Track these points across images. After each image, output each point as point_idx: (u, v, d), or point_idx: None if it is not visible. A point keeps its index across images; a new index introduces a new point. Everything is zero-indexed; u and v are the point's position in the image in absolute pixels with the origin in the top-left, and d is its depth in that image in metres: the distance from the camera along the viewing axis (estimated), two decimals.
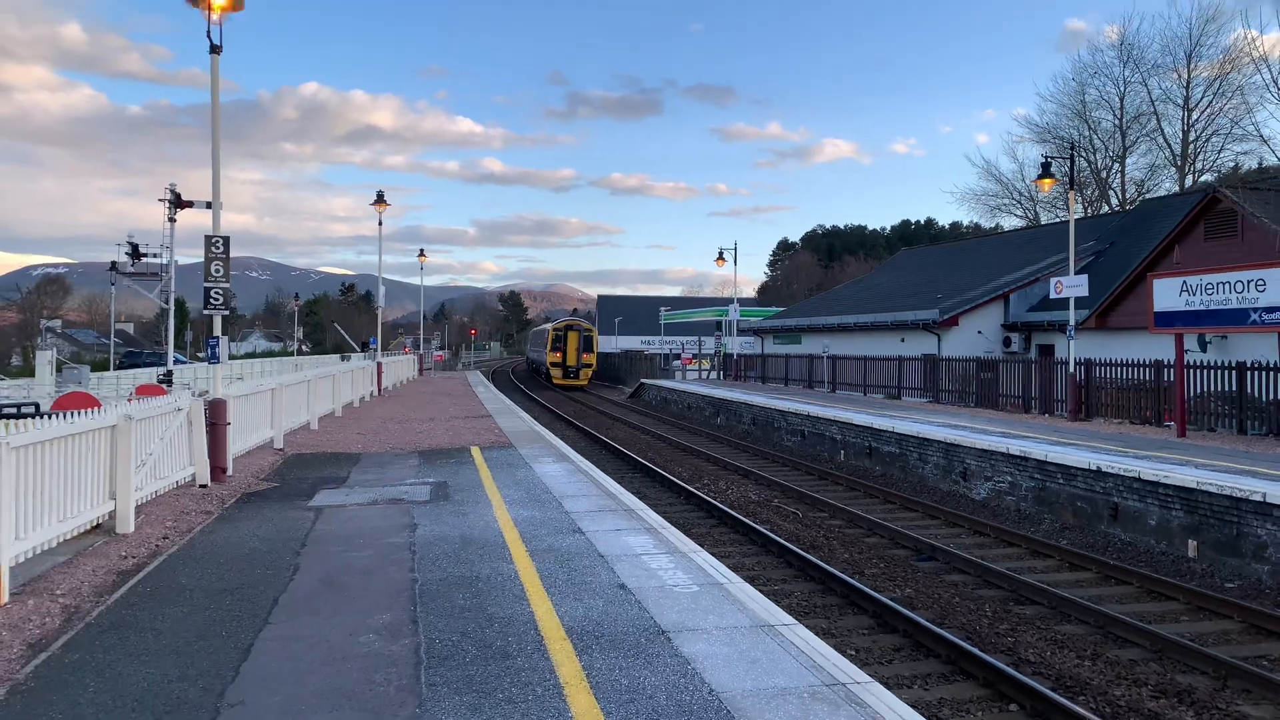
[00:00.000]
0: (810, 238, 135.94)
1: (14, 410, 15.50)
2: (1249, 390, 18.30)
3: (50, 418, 9.00)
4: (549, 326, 65.43)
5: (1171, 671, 8.35)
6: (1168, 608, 10.40)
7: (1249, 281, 16.73)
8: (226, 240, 13.53)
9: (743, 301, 63.52)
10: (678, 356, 60.50)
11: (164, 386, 23.41)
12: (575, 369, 57.91)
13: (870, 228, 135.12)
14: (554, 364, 57.97)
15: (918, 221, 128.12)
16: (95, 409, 10.59)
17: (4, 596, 7.19)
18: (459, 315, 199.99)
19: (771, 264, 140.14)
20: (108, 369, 46.10)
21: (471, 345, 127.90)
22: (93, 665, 5.91)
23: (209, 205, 13.84)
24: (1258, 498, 11.42)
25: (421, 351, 64.05)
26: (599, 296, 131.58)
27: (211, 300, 13.39)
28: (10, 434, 7.67)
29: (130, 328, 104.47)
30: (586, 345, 58.44)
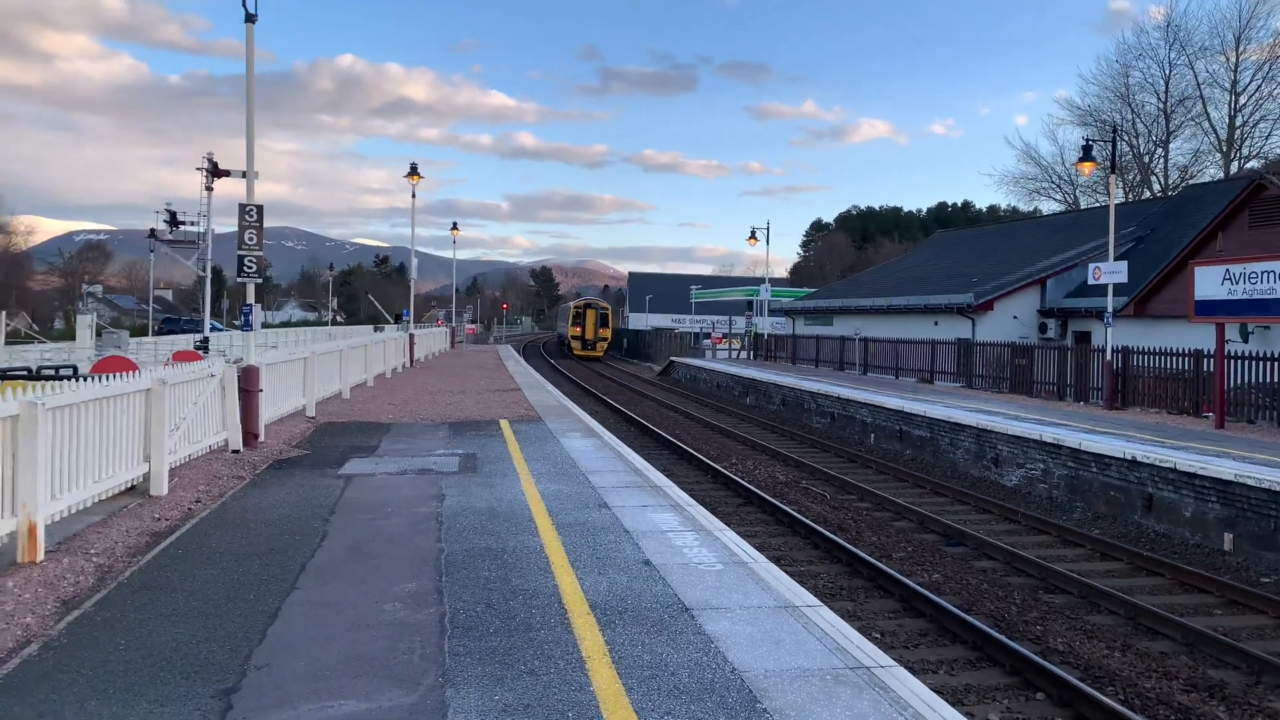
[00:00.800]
0: (844, 218, 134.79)
1: (53, 372, 15.74)
2: None
3: (87, 380, 9.12)
4: (571, 305, 71.65)
5: (1203, 665, 8.22)
6: (1201, 601, 10.24)
7: None
8: (260, 209, 13.60)
9: (774, 281, 63.20)
10: (708, 335, 60.40)
11: (200, 353, 23.69)
12: (592, 342, 64.29)
13: (906, 209, 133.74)
14: (574, 337, 64.71)
15: (954, 204, 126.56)
16: (132, 373, 10.73)
17: (39, 554, 7.31)
18: (491, 289, 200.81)
19: (804, 244, 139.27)
20: (146, 334, 46.77)
21: (503, 319, 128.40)
22: (123, 624, 5.99)
23: (244, 174, 13.91)
24: None
25: (454, 324, 64.36)
26: (630, 274, 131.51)
27: (245, 268, 13.48)
28: (47, 395, 7.78)
29: (169, 294, 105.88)
30: (603, 322, 64.77)
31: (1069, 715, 7.06)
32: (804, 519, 13.01)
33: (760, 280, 52.69)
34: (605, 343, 65.43)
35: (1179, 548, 12.50)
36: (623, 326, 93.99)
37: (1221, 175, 47.20)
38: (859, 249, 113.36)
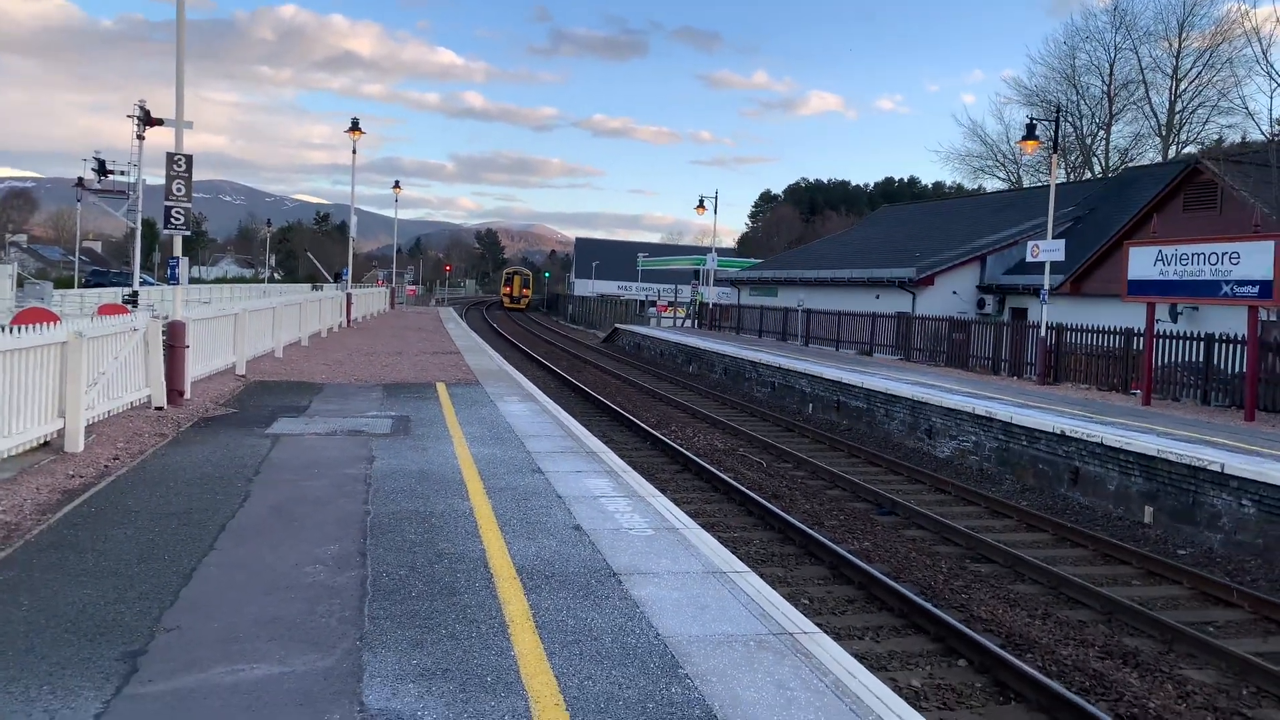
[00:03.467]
0: (793, 190, 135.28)
1: None
2: (1215, 362, 18.42)
3: (1, 331, 8.73)
4: (504, 271, 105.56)
5: (1119, 634, 8.43)
6: (1120, 571, 10.50)
7: (1223, 254, 16.74)
8: (189, 159, 13.13)
9: (722, 251, 63.43)
10: (654, 303, 60.38)
11: (128, 307, 22.95)
12: (518, 298, 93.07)
13: (853, 183, 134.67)
14: (506, 295, 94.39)
15: (901, 179, 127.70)
16: (52, 324, 10.31)
17: None
18: (435, 250, 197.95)
19: (753, 215, 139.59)
20: (72, 287, 45.28)
21: (446, 282, 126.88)
22: (28, 584, 5.76)
23: (175, 123, 13.41)
24: (1215, 468, 11.52)
25: (394, 285, 63.41)
26: (577, 239, 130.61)
27: (172, 219, 13.03)
28: None
29: (99, 246, 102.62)
30: (526, 284, 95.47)
31: (988, 681, 7.18)
32: (740, 486, 13.06)
33: (708, 249, 52.70)
34: (526, 299, 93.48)
35: (1102, 520, 12.81)
36: (569, 293, 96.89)
37: (1160, 159, 48.20)
38: (806, 221, 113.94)
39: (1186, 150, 48.06)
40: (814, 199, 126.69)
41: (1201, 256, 17.18)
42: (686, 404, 22.86)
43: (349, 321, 34.31)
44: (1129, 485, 12.95)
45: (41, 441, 9.34)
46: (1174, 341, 19.25)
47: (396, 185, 53.51)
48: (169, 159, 13.05)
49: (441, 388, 16.29)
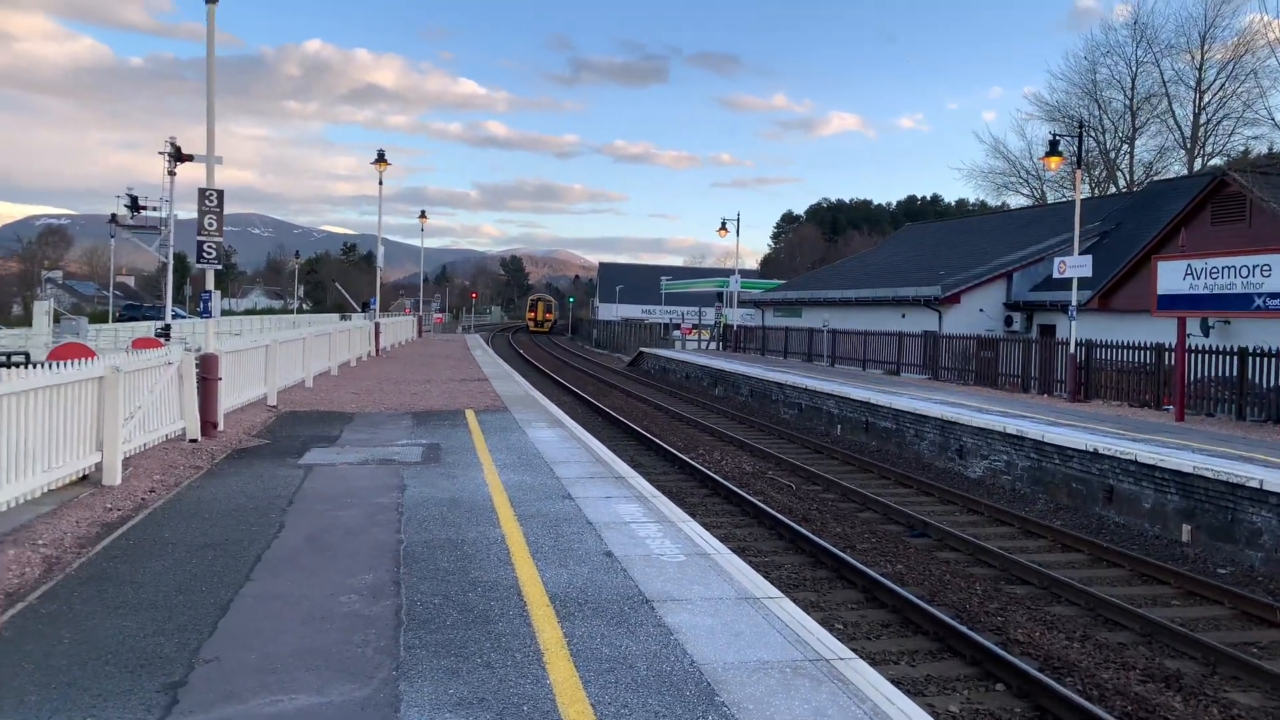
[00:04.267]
0: (815, 211, 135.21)
1: (3, 359, 15.39)
2: (1250, 376, 18.17)
3: (39, 367, 8.89)
4: (529, 299, 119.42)
5: (1160, 656, 8.30)
6: (1159, 592, 10.35)
7: (1254, 266, 16.56)
8: (220, 194, 13.35)
9: (744, 273, 63.43)
10: (678, 326, 60.43)
11: (161, 340, 23.29)
12: (541, 322, 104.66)
13: (875, 202, 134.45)
14: (530, 320, 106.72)
15: (923, 197, 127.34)
16: (89, 360, 10.48)
17: None
18: (460, 278, 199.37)
19: (775, 236, 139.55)
20: (107, 321, 45.99)
21: (472, 309, 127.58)
22: (69, 617, 5.84)
23: (206, 159, 13.64)
24: (1254, 484, 11.34)
25: (421, 313, 63.88)
26: (600, 264, 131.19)
27: (204, 254, 13.24)
28: None
29: (131, 281, 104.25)
30: (548, 309, 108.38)
31: (1028, 706, 7.09)
32: (769, 509, 13.00)
33: (730, 272, 52.73)
34: (549, 322, 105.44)
35: (1138, 539, 12.63)
36: (593, 318, 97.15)
37: (1185, 172, 47.81)
38: (829, 241, 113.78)
39: (1212, 162, 47.67)
40: (836, 219, 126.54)
41: (1232, 269, 17.00)
42: (713, 427, 22.82)
43: (378, 350, 34.59)
44: (1165, 503, 12.78)
45: (80, 475, 9.48)
46: (1206, 356, 19.01)
47: (423, 215, 54.05)
48: (200, 194, 13.28)
49: (470, 415, 16.38)
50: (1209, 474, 12.03)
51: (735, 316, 50.33)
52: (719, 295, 59.13)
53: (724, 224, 48.78)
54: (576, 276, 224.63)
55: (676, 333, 58.38)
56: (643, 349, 49.77)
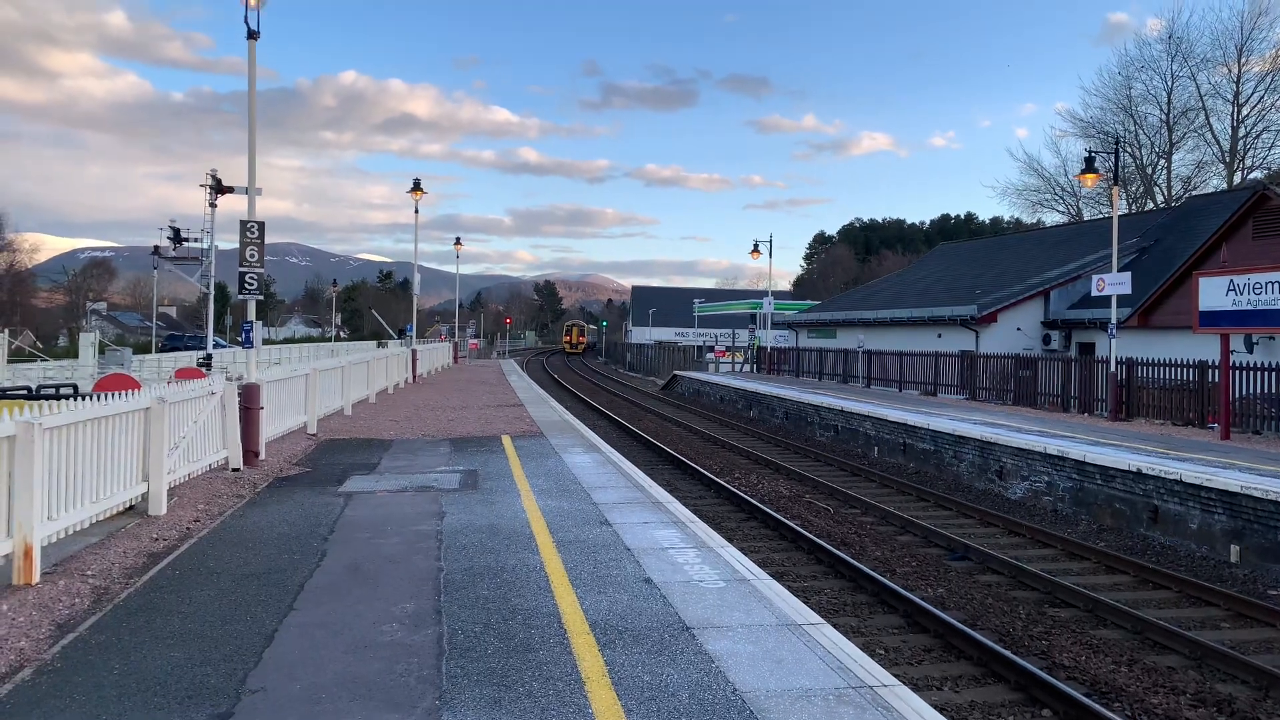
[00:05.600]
0: (847, 231, 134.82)
1: (53, 391, 15.72)
2: None
3: (87, 399, 9.09)
4: (565, 323, 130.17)
5: (1211, 680, 8.13)
6: (1208, 614, 10.14)
7: None
8: (261, 225, 13.60)
9: (777, 294, 63.37)
10: (711, 349, 60.37)
11: (203, 370, 23.68)
12: (575, 344, 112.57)
13: (909, 222, 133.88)
14: (566, 343, 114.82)
15: (957, 216, 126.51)
16: (134, 391, 10.70)
17: (35, 576, 7.26)
18: (494, 304, 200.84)
19: (807, 257, 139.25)
20: (150, 352, 46.83)
21: (507, 334, 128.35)
22: (118, 647, 5.94)
23: (247, 191, 13.92)
24: None
25: (456, 339, 64.39)
26: (633, 287, 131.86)
27: (246, 285, 13.47)
28: (44, 415, 7.75)
29: (173, 311, 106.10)
30: (581, 332, 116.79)
31: None
32: (807, 534, 12.92)
33: (764, 293, 52.67)
34: (583, 344, 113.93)
35: (1185, 560, 12.40)
36: (625, 340, 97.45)
37: (1225, 186, 47.14)
38: (862, 261, 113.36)
39: (1252, 176, 46.97)
40: (869, 239, 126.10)
41: (1276, 285, 16.72)
42: (749, 450, 22.74)
43: (415, 377, 34.89)
44: (1212, 523, 12.54)
45: (127, 505, 9.65)
46: (1252, 373, 18.68)
47: (458, 241, 54.58)
48: (242, 226, 13.53)
49: (507, 440, 16.47)
50: (1257, 493, 11.80)
51: (769, 338, 50.21)
52: (752, 317, 59.08)
53: (756, 246, 48.81)
54: (610, 300, 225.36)
55: (710, 355, 58.33)
56: (676, 372, 49.77)
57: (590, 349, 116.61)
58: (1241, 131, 49.55)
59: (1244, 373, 18.78)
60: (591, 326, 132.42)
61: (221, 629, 6.26)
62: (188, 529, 9.37)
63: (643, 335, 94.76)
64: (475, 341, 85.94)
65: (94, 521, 8.95)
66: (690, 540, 8.90)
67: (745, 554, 8.87)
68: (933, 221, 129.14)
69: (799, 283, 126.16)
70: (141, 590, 7.17)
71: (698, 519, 10.06)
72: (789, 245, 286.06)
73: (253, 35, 13.57)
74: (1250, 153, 49.75)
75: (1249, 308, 17.31)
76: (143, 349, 50.39)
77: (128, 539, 8.81)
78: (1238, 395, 18.69)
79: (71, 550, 8.23)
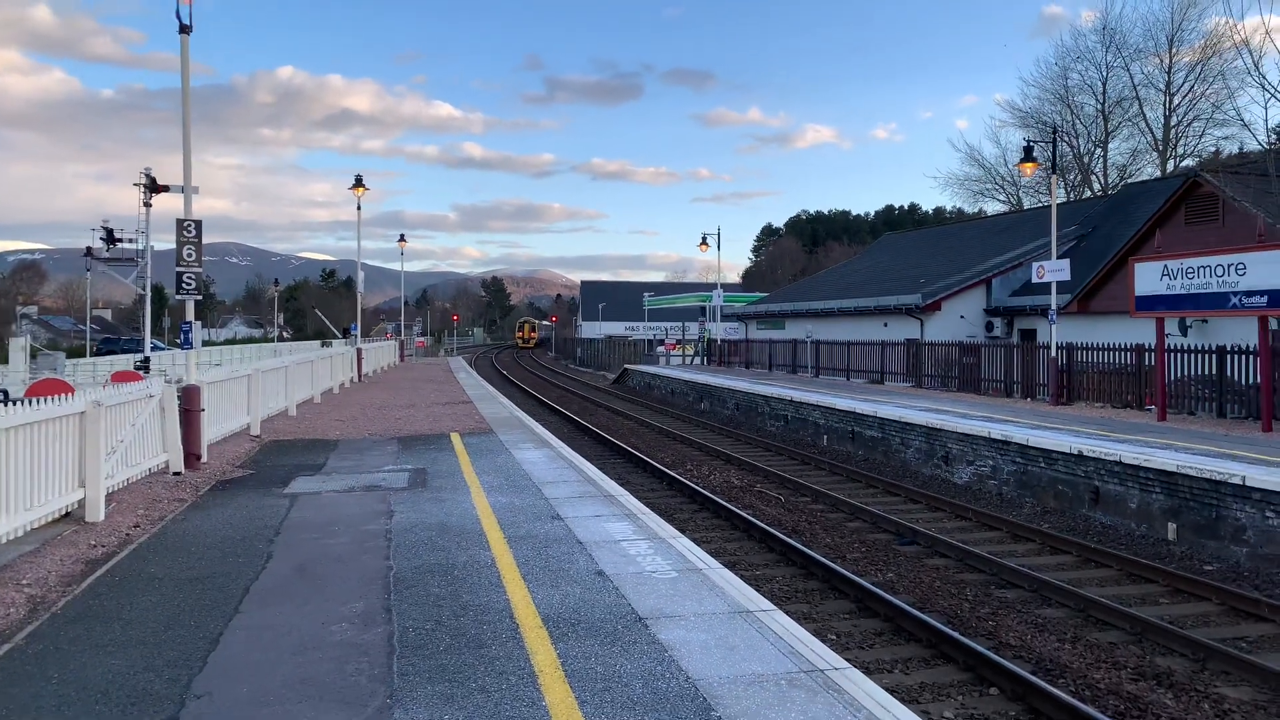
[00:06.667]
0: (794, 223, 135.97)
1: None
2: (1229, 374, 18.36)
3: (17, 404, 8.81)
4: (518, 321, 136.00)
5: (1151, 654, 8.35)
6: (1147, 590, 10.41)
7: (1229, 265, 16.76)
8: (199, 224, 13.31)
9: (726, 287, 63.70)
10: (661, 342, 60.51)
11: (140, 373, 23.11)
12: (528, 339, 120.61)
13: (854, 213, 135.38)
14: (519, 338, 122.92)
15: (901, 206, 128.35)
16: (67, 395, 10.40)
17: None
18: (441, 301, 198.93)
19: (755, 249, 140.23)
20: (84, 356, 45.60)
21: (454, 331, 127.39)
22: (56, 656, 5.77)
23: (183, 189, 13.61)
24: (1237, 480, 11.45)
25: (403, 337, 63.69)
26: (582, 282, 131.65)
27: (184, 285, 13.18)
28: None
29: (108, 314, 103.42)
30: (533, 329, 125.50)
31: (1022, 709, 7.10)
32: (759, 523, 13.00)
33: (713, 286, 52.88)
34: (534, 340, 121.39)
35: (1126, 539, 12.71)
36: (575, 336, 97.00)
37: (1158, 174, 48.36)
38: (809, 253, 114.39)
39: (1185, 164, 48.24)
40: (816, 230, 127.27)
41: (1208, 269, 17.20)
42: (701, 442, 22.83)
43: (360, 376, 34.45)
44: (1150, 503, 12.87)
45: (63, 512, 9.38)
46: (1186, 355, 19.21)
47: (402, 239, 53.97)
48: (179, 225, 13.23)
49: (456, 438, 16.32)
50: (1192, 472, 12.14)
51: (719, 331, 50.44)
52: (702, 310, 59.32)
53: (704, 239, 48.93)
54: (559, 295, 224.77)
55: (660, 348, 58.44)
56: (627, 366, 49.79)
57: (541, 344, 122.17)
58: (1174, 120, 50.85)
59: (1179, 355, 19.29)
60: (544, 323, 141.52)
61: (164, 634, 6.12)
62: (127, 535, 9.13)
63: (593, 330, 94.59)
64: (422, 340, 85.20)
65: (28, 530, 8.69)
66: (643, 532, 8.90)
67: (698, 544, 8.89)
68: (877, 212, 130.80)
69: (748, 275, 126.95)
70: (80, 598, 6.98)
71: (650, 511, 10.07)
72: (737, 238, 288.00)
73: (185, 29, 13.25)
74: (1182, 141, 51.10)
75: (1182, 292, 17.79)
76: (77, 353, 49.05)
77: (64, 546, 8.56)
78: (1173, 378, 19.21)
79: (5, 559, 7.98)
